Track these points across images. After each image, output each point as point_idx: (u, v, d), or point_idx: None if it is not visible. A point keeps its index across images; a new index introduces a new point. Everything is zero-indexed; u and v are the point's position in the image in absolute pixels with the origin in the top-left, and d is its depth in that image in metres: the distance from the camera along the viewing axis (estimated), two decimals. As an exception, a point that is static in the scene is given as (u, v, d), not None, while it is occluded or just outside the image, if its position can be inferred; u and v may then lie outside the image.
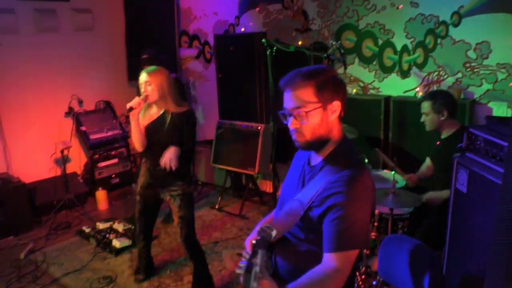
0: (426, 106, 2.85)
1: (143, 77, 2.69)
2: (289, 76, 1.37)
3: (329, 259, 1.31)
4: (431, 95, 2.89)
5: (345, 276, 1.31)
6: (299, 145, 1.41)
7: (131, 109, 2.67)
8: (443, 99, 2.80)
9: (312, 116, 1.34)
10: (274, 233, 1.30)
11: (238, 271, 1.18)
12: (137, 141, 2.76)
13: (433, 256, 2.21)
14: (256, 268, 1.13)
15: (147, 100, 2.69)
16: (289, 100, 1.36)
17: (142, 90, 2.70)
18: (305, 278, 1.30)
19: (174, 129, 2.70)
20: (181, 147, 2.73)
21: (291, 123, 1.37)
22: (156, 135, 2.74)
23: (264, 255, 1.16)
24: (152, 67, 2.75)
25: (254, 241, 1.21)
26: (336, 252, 1.30)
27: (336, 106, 1.36)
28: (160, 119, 2.74)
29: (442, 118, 2.80)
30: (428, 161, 3.15)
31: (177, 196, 2.81)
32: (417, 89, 3.72)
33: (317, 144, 1.40)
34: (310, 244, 1.41)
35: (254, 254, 1.18)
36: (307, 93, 1.33)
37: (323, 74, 1.35)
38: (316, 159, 1.44)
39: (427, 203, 2.78)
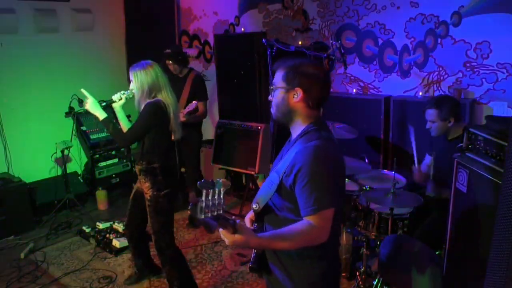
0: (431, 114, 2.81)
1: (130, 74, 2.69)
2: (280, 60, 1.65)
3: (305, 220, 1.47)
4: (436, 103, 2.82)
5: (322, 231, 1.45)
6: (272, 115, 1.67)
7: (110, 101, 2.70)
8: (449, 107, 2.76)
9: (276, 95, 1.62)
10: (255, 206, 1.56)
11: (188, 208, 1.30)
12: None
13: (433, 256, 2.21)
14: (202, 204, 1.23)
15: (131, 96, 2.72)
16: (274, 78, 1.65)
17: (130, 86, 2.72)
18: (281, 229, 1.46)
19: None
20: (147, 142, 2.68)
21: (269, 96, 1.67)
22: None
23: (209, 193, 1.25)
24: (138, 64, 2.69)
25: (198, 183, 1.30)
26: (310, 215, 1.45)
27: (297, 92, 1.56)
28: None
29: (450, 125, 2.79)
30: (428, 160, 3.14)
31: (146, 201, 2.73)
32: (417, 89, 3.72)
33: (283, 119, 1.64)
34: (287, 212, 1.57)
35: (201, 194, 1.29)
36: (278, 76, 1.61)
37: (295, 65, 1.58)
38: (292, 137, 1.66)
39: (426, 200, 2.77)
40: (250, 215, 1.77)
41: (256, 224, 1.69)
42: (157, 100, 2.63)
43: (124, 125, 2.77)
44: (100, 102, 2.75)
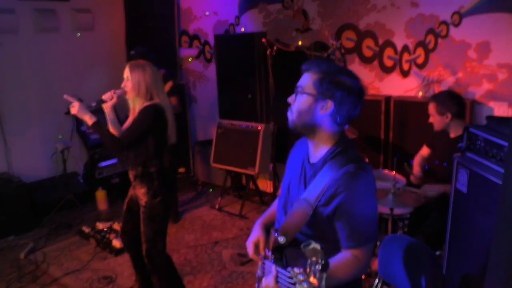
0: (430, 107, 2.87)
1: (126, 70, 2.56)
2: (312, 61, 1.45)
3: (348, 253, 1.39)
4: (434, 97, 2.91)
5: (364, 265, 1.39)
6: (289, 120, 1.47)
7: (102, 101, 2.54)
8: (446, 101, 2.80)
9: (303, 99, 1.41)
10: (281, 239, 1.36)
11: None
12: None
13: (433, 256, 2.21)
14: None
15: (124, 95, 2.56)
16: (300, 79, 1.44)
17: (123, 84, 2.57)
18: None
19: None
20: (143, 146, 2.55)
21: (291, 97, 1.45)
22: None
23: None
24: (137, 62, 2.61)
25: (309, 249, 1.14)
26: (354, 249, 1.37)
27: (327, 105, 1.38)
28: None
29: (447, 120, 2.81)
30: (424, 150, 3.14)
31: (141, 207, 2.60)
32: (417, 89, 3.72)
33: (301, 128, 1.44)
34: (319, 241, 1.40)
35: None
36: (310, 81, 1.40)
37: (334, 74, 1.38)
38: (316, 156, 1.47)
39: (423, 196, 2.76)
40: (254, 240, 1.58)
41: (273, 254, 1.51)
42: (155, 103, 2.52)
43: (115, 128, 2.60)
44: (90, 105, 2.59)
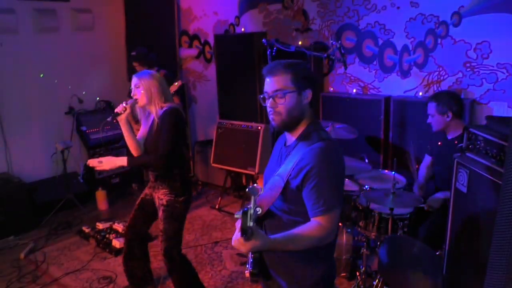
0: (430, 107, 2.87)
1: (134, 80, 2.60)
2: (271, 65, 1.59)
3: (314, 221, 1.50)
4: (435, 96, 2.91)
5: (331, 231, 1.48)
6: (275, 124, 1.60)
7: (116, 114, 2.56)
8: (447, 101, 2.81)
9: (289, 98, 1.54)
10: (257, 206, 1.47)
11: (236, 216, 1.35)
12: (130, 146, 2.64)
13: (433, 256, 2.21)
14: (251, 210, 1.26)
15: (136, 104, 2.59)
16: (270, 85, 1.57)
17: (132, 94, 2.60)
18: (291, 230, 1.46)
19: (157, 134, 2.56)
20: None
21: (270, 103, 1.57)
22: (147, 139, 2.64)
23: (255, 200, 1.31)
24: (141, 71, 2.67)
25: (247, 190, 1.35)
26: (319, 216, 1.47)
27: (308, 93, 1.57)
28: (152, 124, 2.63)
29: (447, 120, 2.81)
30: (427, 160, 3.15)
31: (161, 206, 2.63)
32: (417, 89, 3.72)
33: (291, 124, 1.59)
34: (293, 216, 1.57)
35: (248, 199, 1.32)
36: (286, 80, 1.55)
37: (299, 67, 1.57)
38: (291, 139, 1.64)
39: (428, 208, 2.79)
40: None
41: None
42: (173, 106, 2.57)
43: (132, 138, 2.62)
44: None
